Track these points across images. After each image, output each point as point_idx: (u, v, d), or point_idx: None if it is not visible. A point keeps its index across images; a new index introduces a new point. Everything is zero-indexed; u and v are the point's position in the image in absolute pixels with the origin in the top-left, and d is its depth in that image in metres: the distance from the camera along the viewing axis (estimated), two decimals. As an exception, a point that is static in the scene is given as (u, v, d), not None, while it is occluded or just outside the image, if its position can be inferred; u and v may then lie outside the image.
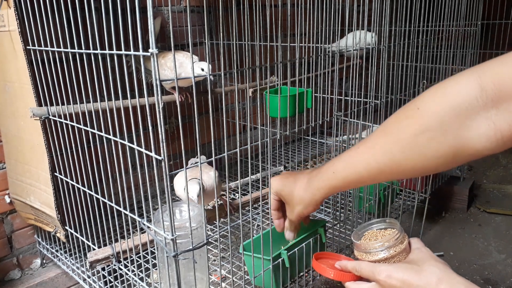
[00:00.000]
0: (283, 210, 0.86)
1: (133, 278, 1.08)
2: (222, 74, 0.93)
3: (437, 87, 0.57)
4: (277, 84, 1.55)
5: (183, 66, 1.25)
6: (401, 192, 1.67)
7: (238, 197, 1.43)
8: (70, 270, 1.31)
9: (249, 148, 1.01)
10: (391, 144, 0.59)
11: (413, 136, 0.57)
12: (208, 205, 1.34)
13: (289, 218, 0.83)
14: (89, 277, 1.24)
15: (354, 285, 0.68)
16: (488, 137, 0.52)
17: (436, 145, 0.55)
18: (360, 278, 0.68)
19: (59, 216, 1.16)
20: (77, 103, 1.03)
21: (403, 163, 0.58)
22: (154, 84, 0.68)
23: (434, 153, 0.56)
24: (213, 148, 0.83)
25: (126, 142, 0.85)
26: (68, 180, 1.14)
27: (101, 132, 0.91)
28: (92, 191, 1.06)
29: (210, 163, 1.36)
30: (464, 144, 0.54)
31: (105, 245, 1.10)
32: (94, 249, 1.10)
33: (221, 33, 1.62)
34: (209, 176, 1.17)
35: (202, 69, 1.22)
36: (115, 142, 0.89)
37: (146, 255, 1.26)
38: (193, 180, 1.09)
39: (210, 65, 1.16)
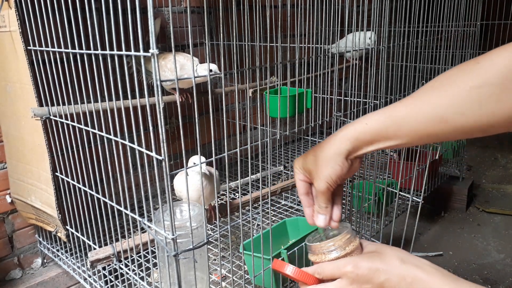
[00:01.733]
0: (313, 195, 0.71)
1: (133, 278, 1.08)
2: (222, 75, 0.93)
3: (506, 45, 0.52)
4: (277, 85, 1.56)
5: (184, 69, 1.25)
6: (400, 192, 1.68)
7: (238, 197, 1.43)
8: (71, 269, 1.32)
9: (249, 148, 1.02)
10: (442, 98, 0.55)
11: (468, 90, 0.52)
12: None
13: (317, 190, 0.67)
14: (89, 276, 1.24)
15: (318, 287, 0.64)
16: None
17: (494, 102, 0.51)
18: (321, 282, 0.65)
19: (60, 215, 1.16)
20: (78, 103, 1.03)
21: (454, 119, 0.54)
22: (155, 85, 0.69)
23: (490, 111, 0.52)
24: (213, 148, 0.83)
25: (126, 142, 0.85)
26: (69, 180, 1.14)
27: (102, 132, 0.91)
28: (93, 191, 1.06)
29: (210, 163, 1.36)
30: None
31: (105, 244, 1.11)
32: (94, 249, 1.10)
33: (221, 34, 1.62)
34: (205, 177, 1.18)
35: (211, 70, 1.21)
36: (116, 142, 0.89)
37: (147, 255, 1.27)
38: (194, 172, 1.10)
39: (212, 65, 1.16)
